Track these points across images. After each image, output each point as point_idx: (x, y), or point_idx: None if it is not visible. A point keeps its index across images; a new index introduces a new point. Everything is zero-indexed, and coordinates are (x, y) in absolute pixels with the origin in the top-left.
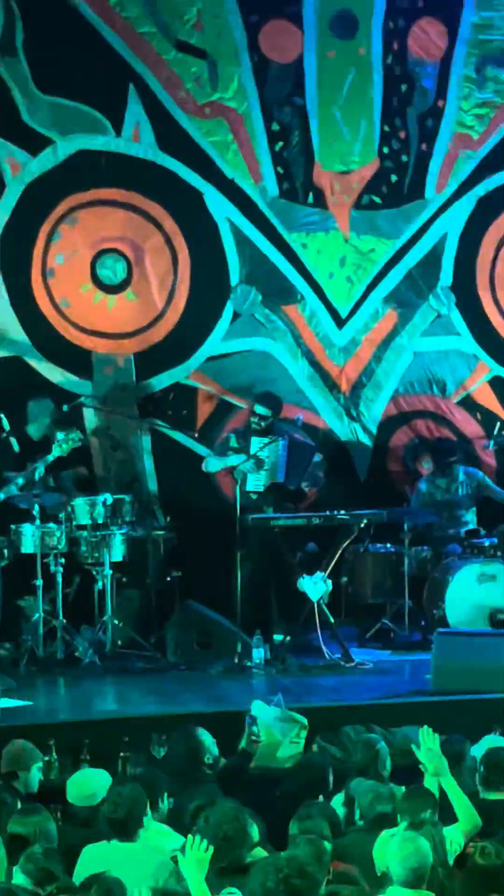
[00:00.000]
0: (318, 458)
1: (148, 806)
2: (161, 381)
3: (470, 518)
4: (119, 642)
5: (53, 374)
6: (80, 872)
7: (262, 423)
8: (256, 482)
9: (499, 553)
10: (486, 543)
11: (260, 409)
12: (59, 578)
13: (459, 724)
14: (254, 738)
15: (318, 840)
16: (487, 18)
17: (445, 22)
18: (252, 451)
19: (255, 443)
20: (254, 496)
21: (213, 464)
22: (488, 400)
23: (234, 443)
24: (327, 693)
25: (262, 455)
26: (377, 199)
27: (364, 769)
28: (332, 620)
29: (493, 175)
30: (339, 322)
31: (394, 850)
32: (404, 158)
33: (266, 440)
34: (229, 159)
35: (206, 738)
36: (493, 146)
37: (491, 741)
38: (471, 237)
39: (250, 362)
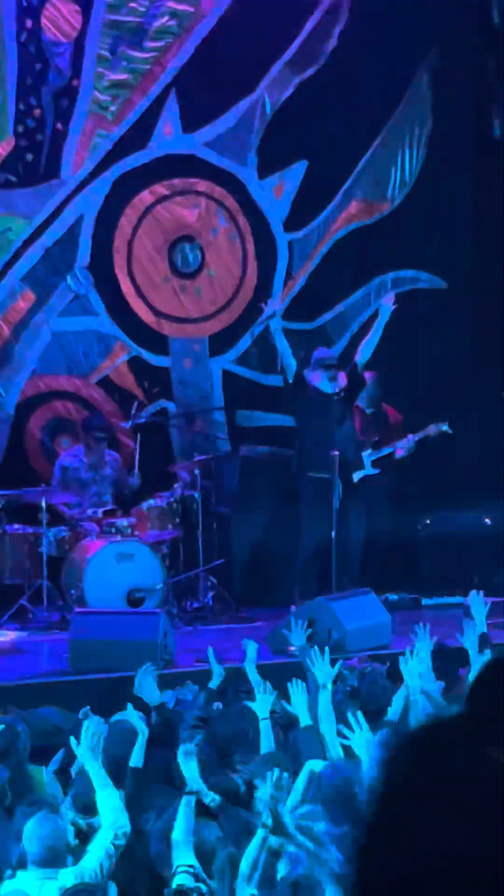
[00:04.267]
0: None
1: None
2: None
3: (108, 499)
4: None
5: None
6: None
7: None
8: None
9: (136, 532)
10: (125, 523)
11: None
12: None
13: (96, 702)
14: None
15: None
16: None
17: (79, 1)
18: None
19: None
20: None
21: None
22: (126, 381)
23: None
24: None
25: None
26: (13, 178)
27: (5, 752)
28: None
29: (129, 156)
30: None
31: (31, 829)
32: (39, 137)
33: None
34: None
35: None
36: (128, 127)
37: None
38: (108, 218)
39: None
